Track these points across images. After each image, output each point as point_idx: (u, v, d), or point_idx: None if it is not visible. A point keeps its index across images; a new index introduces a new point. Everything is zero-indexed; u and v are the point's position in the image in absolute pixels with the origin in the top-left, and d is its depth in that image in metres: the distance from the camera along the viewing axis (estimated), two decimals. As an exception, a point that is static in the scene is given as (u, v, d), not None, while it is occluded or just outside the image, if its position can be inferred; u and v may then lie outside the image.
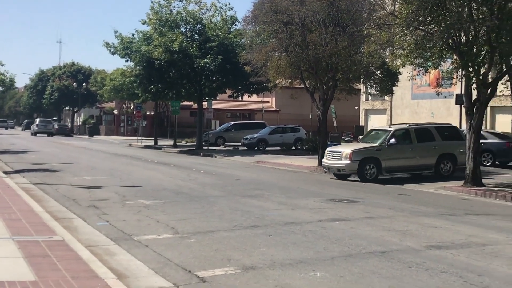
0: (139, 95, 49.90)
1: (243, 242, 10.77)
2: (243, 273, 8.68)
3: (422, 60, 22.61)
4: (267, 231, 11.84)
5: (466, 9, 20.56)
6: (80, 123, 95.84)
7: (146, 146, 51.49)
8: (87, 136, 78.79)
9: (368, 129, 50.07)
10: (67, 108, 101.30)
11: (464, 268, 9.15)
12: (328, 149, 26.99)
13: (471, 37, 21.17)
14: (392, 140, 25.04)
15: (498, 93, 26.99)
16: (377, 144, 25.28)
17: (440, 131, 26.49)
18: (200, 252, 9.97)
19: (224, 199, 16.97)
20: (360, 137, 33.33)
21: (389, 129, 26.33)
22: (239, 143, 48.83)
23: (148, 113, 66.84)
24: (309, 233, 11.69)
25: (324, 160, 26.36)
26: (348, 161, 24.61)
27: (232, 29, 46.36)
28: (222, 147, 49.56)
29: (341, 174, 25.37)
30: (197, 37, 46.35)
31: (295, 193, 18.80)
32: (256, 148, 45.54)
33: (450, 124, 29.67)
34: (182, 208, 14.93)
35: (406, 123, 28.67)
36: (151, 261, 9.35)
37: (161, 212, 14.17)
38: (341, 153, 25.02)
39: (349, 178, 25.18)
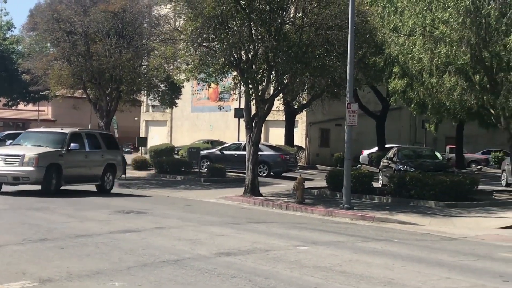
0: None
1: (36, 256, 10.61)
2: (41, 285, 8.62)
3: (205, 75, 23.64)
4: (59, 244, 11.74)
5: (247, 29, 21.86)
6: None
7: None
8: None
9: (149, 140, 50.68)
10: None
11: (252, 272, 9.88)
12: None
13: (251, 56, 22.53)
14: (74, 145, 21.59)
15: (274, 108, 28.88)
16: (55, 148, 21.34)
17: (104, 138, 23.92)
18: (-9, 267, 9.70)
19: (8, 212, 16.36)
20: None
21: (64, 131, 22.58)
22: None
23: None
24: (102, 245, 11.79)
25: None
26: (32, 168, 20.08)
27: (8, 35, 44.44)
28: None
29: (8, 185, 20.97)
30: (-32, 42, 43.80)
31: (81, 205, 18.60)
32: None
33: (109, 132, 28.46)
34: (-38, 223, 14.21)
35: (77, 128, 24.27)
36: None
37: None
38: (22, 157, 20.17)
39: (2, 190, 21.05)
